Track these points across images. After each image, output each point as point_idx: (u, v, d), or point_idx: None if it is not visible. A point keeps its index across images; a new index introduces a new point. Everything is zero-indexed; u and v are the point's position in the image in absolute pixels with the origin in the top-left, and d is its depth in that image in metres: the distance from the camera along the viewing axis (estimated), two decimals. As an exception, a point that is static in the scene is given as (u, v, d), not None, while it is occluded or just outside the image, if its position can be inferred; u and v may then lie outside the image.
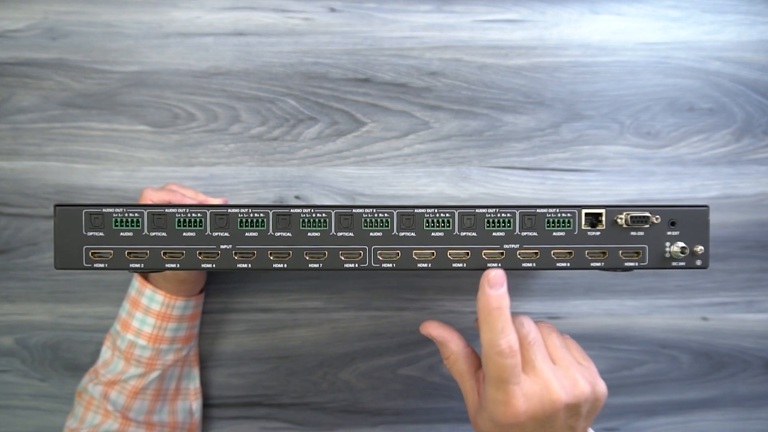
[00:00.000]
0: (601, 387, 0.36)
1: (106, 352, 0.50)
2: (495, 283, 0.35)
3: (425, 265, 0.37)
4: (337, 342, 0.56)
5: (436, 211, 0.36)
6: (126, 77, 0.54)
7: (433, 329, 0.40)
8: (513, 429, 0.34)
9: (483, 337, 0.34)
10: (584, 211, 0.37)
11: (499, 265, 0.37)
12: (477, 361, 0.40)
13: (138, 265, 0.36)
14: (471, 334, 0.55)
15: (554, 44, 0.55)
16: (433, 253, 0.37)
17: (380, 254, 0.36)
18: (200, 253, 0.36)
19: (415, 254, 0.36)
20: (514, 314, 0.37)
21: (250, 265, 0.36)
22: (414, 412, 0.57)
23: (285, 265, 0.36)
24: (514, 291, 0.56)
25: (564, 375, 0.35)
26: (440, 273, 0.56)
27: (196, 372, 0.54)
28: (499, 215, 0.37)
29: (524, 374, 0.34)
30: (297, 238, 0.36)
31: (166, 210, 0.36)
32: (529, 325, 0.36)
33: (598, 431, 0.57)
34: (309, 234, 0.36)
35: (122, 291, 0.53)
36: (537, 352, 0.35)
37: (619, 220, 0.37)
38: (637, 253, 0.37)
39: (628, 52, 0.56)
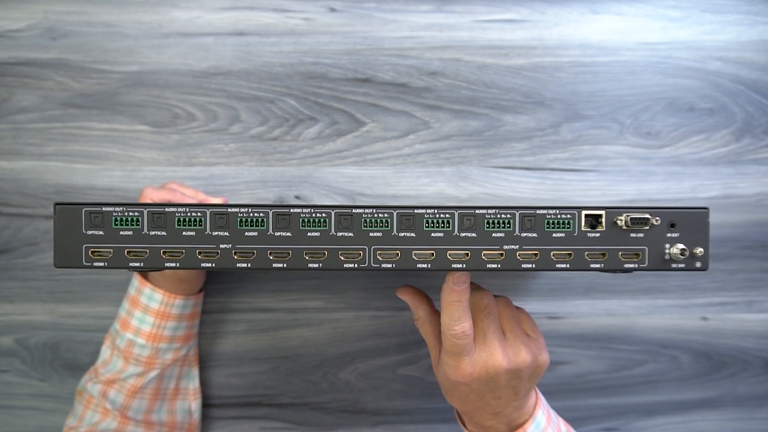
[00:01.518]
0: (543, 357, 0.41)
1: (105, 351, 0.50)
2: (459, 280, 0.39)
3: (425, 265, 0.36)
4: (337, 342, 0.56)
5: (435, 211, 0.36)
6: (126, 77, 0.54)
7: (406, 294, 0.45)
8: (461, 386, 0.40)
9: (442, 320, 0.40)
10: (584, 212, 0.37)
11: (499, 266, 0.37)
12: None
13: (138, 264, 0.36)
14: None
15: (554, 44, 0.55)
16: (433, 253, 0.36)
17: (380, 254, 0.36)
18: (200, 253, 0.36)
19: (415, 255, 0.36)
20: (479, 289, 0.42)
21: (249, 265, 0.36)
22: (414, 412, 0.57)
23: (285, 265, 0.36)
24: (514, 291, 0.56)
25: (510, 345, 0.40)
26: (440, 273, 0.56)
27: (195, 372, 0.54)
28: (498, 216, 0.36)
29: (475, 342, 0.40)
30: (297, 237, 0.36)
31: (166, 209, 0.36)
32: (488, 300, 0.41)
33: (597, 431, 0.57)
34: (309, 234, 0.36)
35: (122, 291, 0.53)
36: (490, 324, 0.40)
37: (618, 222, 0.37)
38: (637, 254, 0.37)
39: (628, 52, 0.56)
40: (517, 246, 0.37)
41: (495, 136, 0.55)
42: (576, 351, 0.57)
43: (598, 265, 0.37)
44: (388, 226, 0.36)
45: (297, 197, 0.55)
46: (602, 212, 0.37)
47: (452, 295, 0.39)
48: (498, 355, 0.39)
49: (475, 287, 0.42)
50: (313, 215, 0.36)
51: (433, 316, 0.44)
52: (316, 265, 0.36)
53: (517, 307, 0.44)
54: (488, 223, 0.37)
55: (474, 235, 0.36)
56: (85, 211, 0.36)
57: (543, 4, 0.55)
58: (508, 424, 0.42)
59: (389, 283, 0.56)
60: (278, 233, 0.36)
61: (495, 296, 0.42)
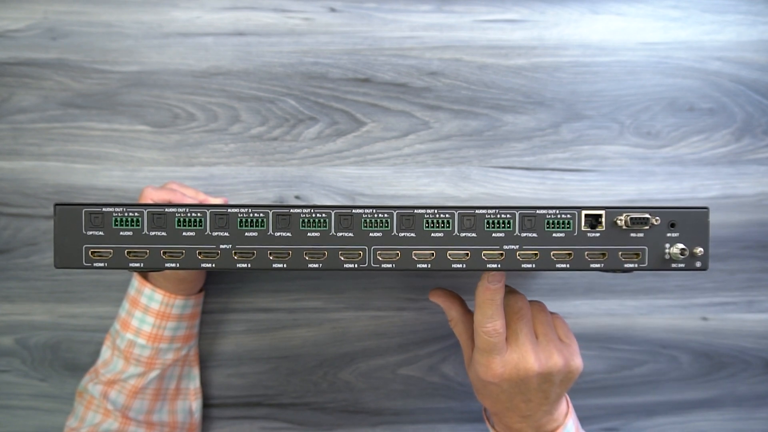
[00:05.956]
0: (576, 362, 0.41)
1: (105, 352, 0.50)
2: (493, 279, 0.39)
3: (425, 265, 0.36)
4: (337, 342, 0.56)
5: (435, 211, 0.36)
6: (126, 77, 0.54)
7: (439, 296, 0.45)
8: (491, 386, 0.41)
9: (476, 317, 0.40)
10: (584, 212, 0.37)
11: (499, 266, 0.37)
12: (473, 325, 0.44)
13: (138, 265, 0.36)
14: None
15: (554, 44, 0.55)
16: (433, 253, 0.36)
17: (380, 254, 0.36)
18: (200, 253, 0.36)
19: (415, 255, 0.36)
20: (514, 291, 0.42)
21: (249, 265, 0.36)
22: (414, 412, 0.57)
23: (285, 265, 0.36)
24: (513, 291, 0.56)
25: (542, 349, 0.41)
26: (440, 273, 0.56)
27: (196, 372, 0.54)
28: (498, 216, 0.37)
29: (508, 343, 0.40)
30: (297, 238, 0.36)
31: (166, 209, 0.36)
32: (522, 302, 0.41)
33: (597, 431, 0.57)
34: (309, 234, 0.36)
35: (122, 291, 0.53)
36: (523, 326, 0.41)
37: (618, 222, 0.37)
38: (637, 254, 0.37)
39: (628, 52, 0.56)
40: (517, 246, 0.37)
41: (495, 136, 0.55)
42: (576, 351, 0.57)
43: (598, 265, 0.37)
44: (388, 226, 0.36)
45: (297, 197, 0.55)
46: (602, 212, 0.37)
47: (486, 293, 0.39)
48: (530, 357, 0.40)
49: (510, 290, 0.42)
50: (313, 215, 0.36)
51: (466, 317, 0.45)
52: (316, 265, 0.36)
53: (552, 312, 0.44)
54: (488, 223, 0.37)
55: (474, 235, 0.37)
56: (85, 211, 0.36)
57: (543, 4, 0.55)
58: (537, 429, 0.42)
59: (389, 283, 0.56)
60: (278, 233, 0.36)
61: (530, 301, 0.43)
